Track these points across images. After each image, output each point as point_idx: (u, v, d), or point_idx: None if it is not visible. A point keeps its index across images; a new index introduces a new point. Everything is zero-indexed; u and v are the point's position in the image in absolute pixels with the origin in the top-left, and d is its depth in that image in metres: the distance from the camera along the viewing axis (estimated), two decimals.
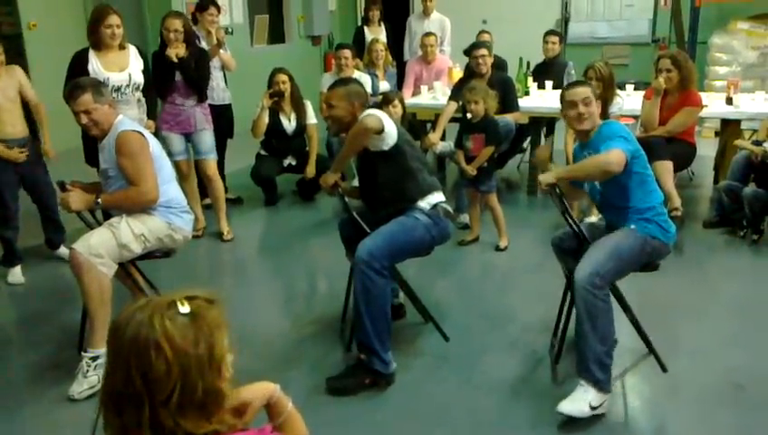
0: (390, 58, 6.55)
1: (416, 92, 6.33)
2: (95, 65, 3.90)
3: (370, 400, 2.82)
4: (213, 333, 1.19)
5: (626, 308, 2.91)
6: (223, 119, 5.20)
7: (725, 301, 3.73)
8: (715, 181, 5.51)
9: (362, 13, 9.74)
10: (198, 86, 4.62)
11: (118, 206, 3.04)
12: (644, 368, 3.00)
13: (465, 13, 8.63)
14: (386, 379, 2.89)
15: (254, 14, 8.61)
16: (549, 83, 5.89)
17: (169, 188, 3.12)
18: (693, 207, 5.24)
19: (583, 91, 2.84)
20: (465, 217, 4.80)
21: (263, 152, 5.56)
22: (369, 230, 2.96)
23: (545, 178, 2.78)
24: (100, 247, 2.85)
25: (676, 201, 4.36)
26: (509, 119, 5.11)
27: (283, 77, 5.30)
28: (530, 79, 6.00)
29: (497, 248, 4.48)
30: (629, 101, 5.26)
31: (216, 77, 5.15)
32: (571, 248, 2.97)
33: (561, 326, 3.10)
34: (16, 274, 4.11)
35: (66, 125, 3.02)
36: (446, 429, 2.63)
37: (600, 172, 2.67)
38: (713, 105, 5.29)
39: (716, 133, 6.44)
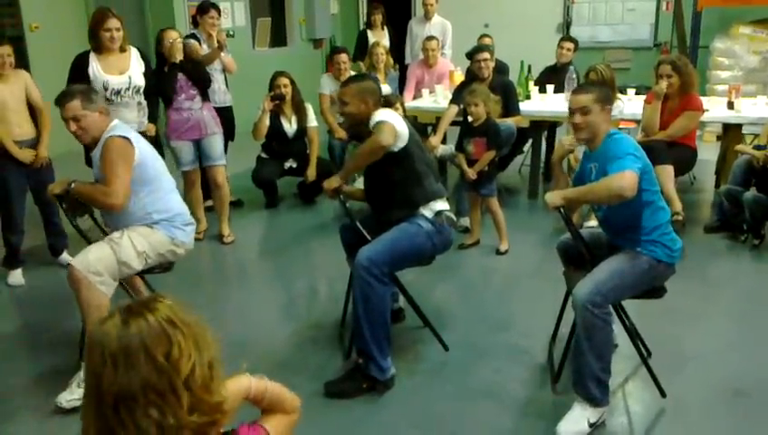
0: (392, 61, 6.56)
1: (417, 96, 6.33)
2: (95, 68, 3.91)
3: (369, 405, 2.81)
4: (178, 338, 1.18)
5: (630, 333, 2.85)
6: (224, 121, 5.18)
7: (726, 306, 3.72)
8: (717, 186, 5.50)
9: (364, 16, 9.79)
10: (202, 79, 4.63)
11: (85, 196, 2.95)
12: (644, 374, 2.99)
13: (467, 16, 8.64)
14: (383, 384, 2.88)
15: (256, 17, 8.63)
16: (550, 87, 5.89)
17: (171, 200, 3.06)
18: (694, 211, 5.23)
19: (583, 100, 2.68)
20: (465, 221, 4.79)
21: (263, 155, 5.56)
22: (369, 238, 2.95)
23: (552, 199, 2.67)
24: (99, 264, 2.77)
25: (677, 205, 4.36)
26: (510, 122, 5.10)
27: (284, 80, 5.31)
28: (531, 83, 6.00)
29: (498, 252, 4.47)
30: (631, 105, 5.26)
31: (218, 79, 5.16)
32: (574, 256, 2.93)
33: (562, 333, 3.10)
34: (17, 275, 4.11)
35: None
36: None
37: (612, 197, 2.51)
38: (714, 109, 5.28)
39: (718, 138, 6.44)
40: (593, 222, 4.40)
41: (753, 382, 2.90)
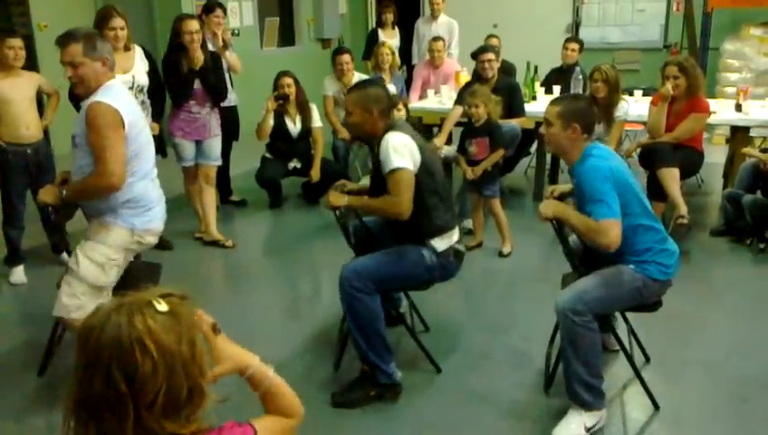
0: (398, 62, 6.54)
1: (423, 96, 6.31)
2: None
3: (366, 411, 2.79)
4: (191, 329, 1.17)
5: (622, 345, 2.80)
6: (228, 121, 5.18)
7: (730, 310, 3.68)
8: (725, 189, 5.45)
9: (373, 16, 9.79)
10: (218, 93, 4.59)
11: (81, 196, 2.75)
12: (645, 378, 2.96)
13: (475, 17, 8.61)
14: (392, 390, 2.84)
15: (264, 17, 8.63)
16: (557, 88, 5.85)
17: (140, 186, 2.77)
18: (701, 214, 5.18)
19: (548, 111, 2.64)
20: (468, 223, 4.76)
21: (268, 155, 5.56)
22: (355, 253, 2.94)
23: (545, 211, 2.61)
24: (74, 301, 2.69)
25: (683, 209, 4.30)
26: (514, 123, 5.07)
27: (289, 80, 5.30)
28: (537, 84, 5.96)
29: (500, 254, 4.44)
30: (637, 107, 5.22)
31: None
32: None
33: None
34: (18, 273, 4.12)
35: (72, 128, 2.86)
36: None
37: (598, 246, 2.49)
38: (722, 112, 5.23)
39: (727, 140, 6.38)
40: None
41: (756, 389, 2.86)
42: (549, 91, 5.89)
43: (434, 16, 7.11)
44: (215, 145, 4.71)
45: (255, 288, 4.15)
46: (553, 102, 2.70)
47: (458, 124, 5.16)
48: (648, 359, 3.02)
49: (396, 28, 7.26)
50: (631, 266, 2.55)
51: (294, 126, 5.43)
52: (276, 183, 5.54)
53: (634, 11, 9.03)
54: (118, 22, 3.91)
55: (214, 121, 4.66)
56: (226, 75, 5.25)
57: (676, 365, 3.07)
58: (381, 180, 2.79)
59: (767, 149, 4.58)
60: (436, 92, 6.14)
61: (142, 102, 4.13)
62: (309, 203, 5.70)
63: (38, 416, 2.78)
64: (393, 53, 6.35)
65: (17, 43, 3.90)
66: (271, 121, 5.30)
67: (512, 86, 5.23)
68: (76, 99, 3.26)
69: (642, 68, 8.85)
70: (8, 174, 3.96)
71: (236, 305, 3.82)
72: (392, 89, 6.15)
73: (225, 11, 5.18)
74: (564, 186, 3.10)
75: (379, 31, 7.21)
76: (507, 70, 5.88)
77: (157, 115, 4.36)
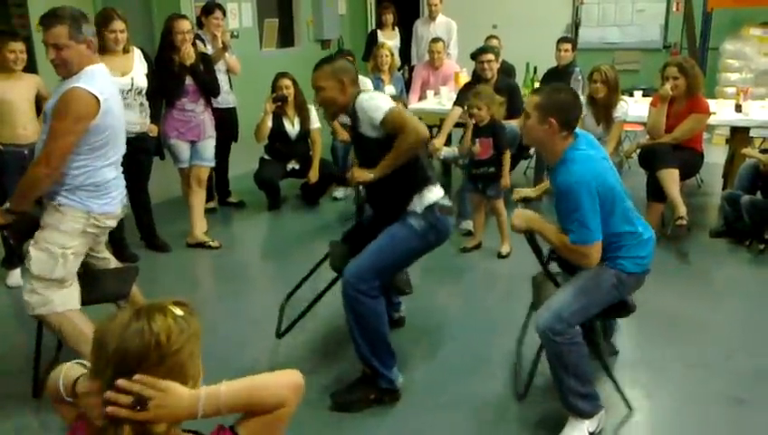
0: (397, 63, 6.53)
1: (422, 97, 6.30)
2: None
3: (357, 415, 2.78)
4: (197, 337, 1.26)
5: (598, 355, 2.73)
6: (227, 122, 5.19)
7: (729, 311, 3.66)
8: (724, 189, 5.43)
9: (372, 17, 9.78)
10: (210, 89, 4.60)
11: (23, 195, 2.64)
12: (635, 381, 2.95)
13: (475, 17, 8.60)
14: (390, 395, 2.81)
15: (263, 18, 8.62)
16: None
17: (105, 171, 2.69)
18: (701, 215, 5.17)
19: (527, 102, 2.54)
20: (468, 224, 4.76)
21: (266, 156, 5.55)
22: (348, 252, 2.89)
23: (517, 222, 2.56)
24: (35, 297, 2.63)
25: (682, 210, 4.29)
26: (514, 124, 5.06)
27: (287, 82, 5.30)
28: (537, 85, 5.95)
29: (499, 255, 4.43)
30: (637, 107, 5.21)
31: (221, 80, 5.14)
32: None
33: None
34: (16, 276, 4.11)
35: None
36: None
37: (572, 261, 2.49)
38: (722, 112, 5.22)
39: (727, 141, 6.36)
40: None
41: (754, 390, 2.86)
42: None
43: (432, 17, 7.11)
44: (209, 146, 4.70)
45: (253, 290, 4.15)
46: (535, 92, 2.57)
47: (457, 125, 5.16)
48: (614, 353, 3.08)
49: (396, 29, 7.25)
50: (605, 263, 2.48)
51: (293, 127, 5.42)
52: (275, 184, 5.52)
53: (634, 11, 9.01)
54: (118, 25, 3.91)
55: (208, 122, 4.66)
56: (225, 77, 5.26)
57: (675, 366, 3.06)
58: (366, 147, 2.77)
59: (767, 150, 4.56)
60: (435, 93, 6.13)
61: (141, 105, 4.13)
62: (308, 205, 5.69)
63: (32, 416, 2.78)
64: (392, 55, 6.33)
65: (18, 46, 3.90)
66: (269, 123, 5.30)
67: (511, 87, 5.22)
68: None
69: (642, 68, 8.84)
70: (5, 174, 3.95)
71: (233, 307, 3.81)
72: (391, 90, 6.15)
73: (224, 12, 5.19)
74: (527, 190, 3.07)
75: (379, 32, 7.21)
76: (507, 71, 5.87)
77: (155, 117, 4.35)
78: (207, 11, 5.11)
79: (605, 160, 2.50)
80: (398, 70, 6.69)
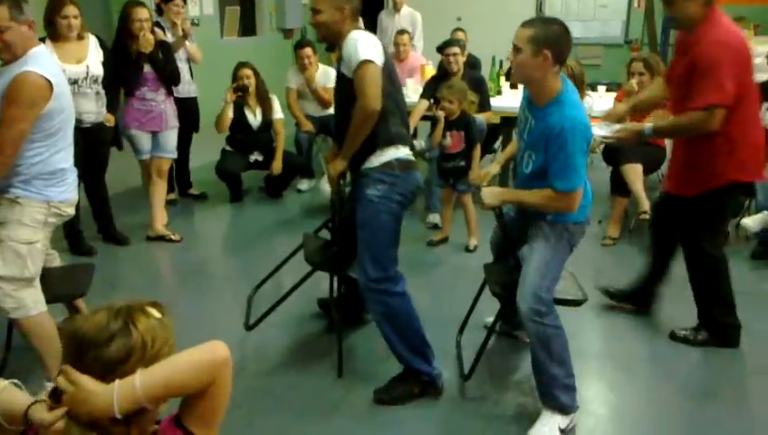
0: None
1: None
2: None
3: (328, 415, 2.73)
4: (172, 338, 1.26)
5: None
6: (188, 112, 5.05)
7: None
8: None
9: None
10: (171, 78, 4.49)
11: None
12: (612, 375, 2.96)
13: (439, 10, 8.58)
14: (435, 387, 2.77)
15: (224, 6, 8.44)
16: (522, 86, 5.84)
17: (58, 157, 2.59)
18: None
19: (518, 35, 2.36)
20: (435, 217, 4.73)
21: (228, 148, 5.43)
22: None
23: (489, 199, 2.53)
24: (9, 302, 2.54)
25: (645, 204, 4.34)
26: (481, 118, 5.04)
27: (248, 71, 5.19)
28: (503, 78, 5.95)
29: (467, 249, 4.42)
30: (601, 102, 5.24)
31: (182, 69, 5.00)
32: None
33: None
34: None
35: None
36: None
37: (552, 211, 2.46)
38: None
39: None
40: None
41: (753, 390, 2.90)
42: (514, 85, 5.87)
43: (396, 8, 7.06)
44: (172, 137, 4.58)
45: (217, 284, 4.04)
46: (525, 25, 2.36)
47: (424, 118, 5.12)
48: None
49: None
50: (549, 217, 2.49)
51: (255, 118, 5.31)
52: (237, 176, 5.41)
53: (596, 6, 9.12)
54: (71, 10, 3.76)
55: (170, 112, 4.54)
56: (186, 66, 5.13)
57: (641, 360, 3.08)
58: (344, 88, 2.60)
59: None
60: (401, 86, 6.06)
61: (97, 93, 3.98)
62: (271, 197, 5.60)
63: None
64: None
65: None
66: (230, 113, 5.18)
67: (478, 81, 5.19)
68: None
69: (604, 63, 8.93)
70: None
71: (194, 303, 3.70)
72: None
73: (184, 0, 5.04)
74: (492, 168, 3.09)
75: None
76: (473, 64, 5.85)
77: (112, 107, 4.20)
78: None
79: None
80: None
